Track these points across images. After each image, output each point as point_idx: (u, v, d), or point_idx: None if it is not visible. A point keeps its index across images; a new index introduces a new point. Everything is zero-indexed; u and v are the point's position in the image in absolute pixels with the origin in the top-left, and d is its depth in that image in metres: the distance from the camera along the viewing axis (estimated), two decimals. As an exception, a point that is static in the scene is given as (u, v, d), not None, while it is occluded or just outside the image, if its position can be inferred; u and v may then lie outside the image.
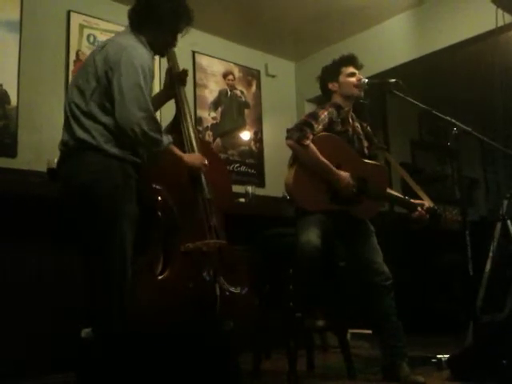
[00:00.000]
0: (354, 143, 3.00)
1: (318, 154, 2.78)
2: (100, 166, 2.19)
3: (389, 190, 3.04)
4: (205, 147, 2.81)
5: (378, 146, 3.14)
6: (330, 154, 2.81)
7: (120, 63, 2.20)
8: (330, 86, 3.01)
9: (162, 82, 2.84)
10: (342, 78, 2.98)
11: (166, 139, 2.33)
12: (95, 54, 2.31)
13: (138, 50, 2.28)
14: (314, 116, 2.88)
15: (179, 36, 2.53)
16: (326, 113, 2.89)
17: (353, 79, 2.95)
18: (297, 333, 2.88)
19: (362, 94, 2.96)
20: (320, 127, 2.84)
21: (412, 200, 2.96)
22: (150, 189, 2.44)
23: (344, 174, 2.81)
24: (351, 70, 2.98)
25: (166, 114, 4.28)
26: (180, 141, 2.61)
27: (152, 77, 2.32)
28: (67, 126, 2.26)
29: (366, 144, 3.05)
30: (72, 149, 2.23)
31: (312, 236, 2.70)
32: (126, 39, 2.34)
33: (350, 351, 2.96)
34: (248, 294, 2.59)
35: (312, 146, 2.78)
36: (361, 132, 3.06)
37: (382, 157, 3.28)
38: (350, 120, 3.02)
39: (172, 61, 2.78)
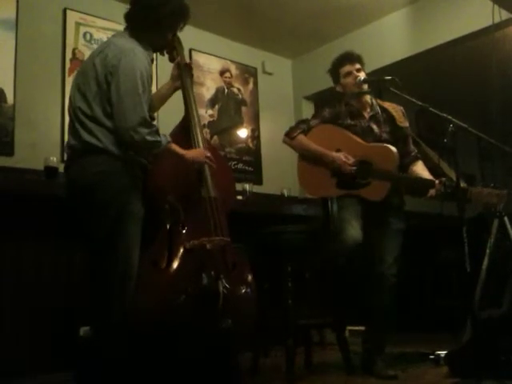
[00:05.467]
0: (372, 131, 2.96)
1: (309, 142, 2.94)
2: (106, 167, 2.21)
3: (398, 172, 2.91)
4: (207, 146, 2.80)
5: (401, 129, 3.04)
6: (327, 142, 2.92)
7: (119, 68, 2.19)
8: (338, 88, 3.08)
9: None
10: (342, 80, 3.03)
11: (164, 139, 2.32)
12: (94, 57, 2.30)
13: (136, 55, 2.26)
14: (315, 114, 3.11)
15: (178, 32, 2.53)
16: (329, 110, 3.01)
17: (350, 79, 2.98)
18: (295, 330, 2.88)
19: (366, 88, 2.98)
20: (317, 122, 2.98)
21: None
22: (155, 188, 2.44)
23: (338, 154, 2.87)
24: (347, 69, 3.00)
25: (164, 114, 4.29)
26: (188, 136, 2.63)
27: (150, 81, 2.32)
28: (73, 130, 2.27)
29: (387, 129, 2.99)
30: (79, 151, 2.24)
31: (353, 231, 2.78)
32: (125, 41, 2.32)
33: (348, 348, 2.96)
34: (250, 292, 2.59)
35: (301, 136, 2.96)
36: (380, 119, 3.01)
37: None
38: (368, 110, 3.01)
39: (180, 51, 2.76)
